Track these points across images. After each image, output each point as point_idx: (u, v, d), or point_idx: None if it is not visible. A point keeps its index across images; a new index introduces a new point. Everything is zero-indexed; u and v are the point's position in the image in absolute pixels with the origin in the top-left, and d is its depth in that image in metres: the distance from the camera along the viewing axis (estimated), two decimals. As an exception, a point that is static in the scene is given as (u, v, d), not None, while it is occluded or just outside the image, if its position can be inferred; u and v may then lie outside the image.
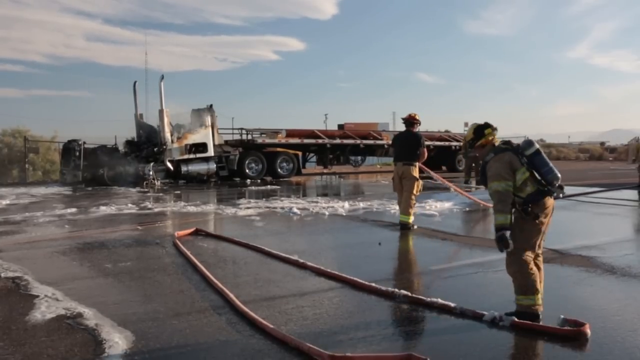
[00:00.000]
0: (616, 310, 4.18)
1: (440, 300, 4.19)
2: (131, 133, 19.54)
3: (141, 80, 21.21)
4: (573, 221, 9.12)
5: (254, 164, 19.97)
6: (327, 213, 10.02)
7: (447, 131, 26.91)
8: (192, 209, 10.85)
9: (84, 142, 17.97)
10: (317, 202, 11.98)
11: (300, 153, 21.61)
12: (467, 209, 10.60)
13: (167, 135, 17.98)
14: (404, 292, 4.44)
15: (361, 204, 11.27)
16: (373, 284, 4.71)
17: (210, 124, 18.91)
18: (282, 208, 10.79)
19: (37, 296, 4.58)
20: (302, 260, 5.71)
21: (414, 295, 4.42)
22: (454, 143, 24.79)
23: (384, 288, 4.58)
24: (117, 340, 3.50)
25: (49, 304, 4.34)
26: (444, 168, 25.20)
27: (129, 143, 19.00)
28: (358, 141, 22.56)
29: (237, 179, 19.51)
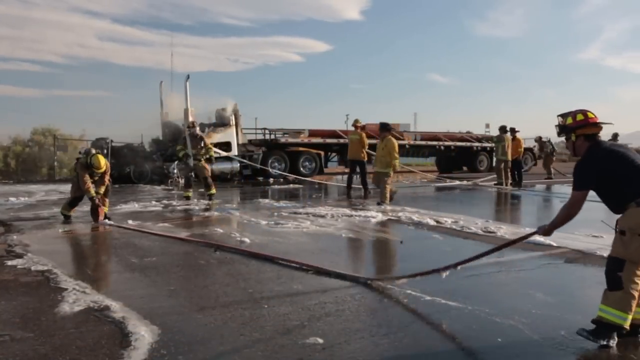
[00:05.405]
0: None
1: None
2: (155, 132, 19.79)
3: (153, 81, 21.53)
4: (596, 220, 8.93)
5: (277, 163, 20.05)
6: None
7: (468, 132, 26.64)
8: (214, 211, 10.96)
9: (112, 141, 18.29)
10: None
11: (322, 153, 21.64)
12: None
13: (192, 134, 18.13)
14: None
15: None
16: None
17: (234, 123, 19.06)
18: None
19: (66, 289, 4.69)
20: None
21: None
22: (476, 144, 24.57)
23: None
24: (143, 333, 3.57)
25: (77, 297, 4.44)
26: (465, 168, 25.02)
27: (155, 142, 19.25)
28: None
29: (260, 178, 19.62)
